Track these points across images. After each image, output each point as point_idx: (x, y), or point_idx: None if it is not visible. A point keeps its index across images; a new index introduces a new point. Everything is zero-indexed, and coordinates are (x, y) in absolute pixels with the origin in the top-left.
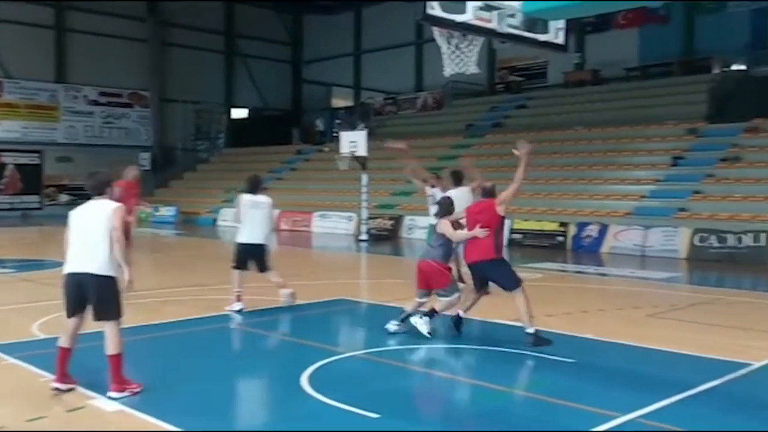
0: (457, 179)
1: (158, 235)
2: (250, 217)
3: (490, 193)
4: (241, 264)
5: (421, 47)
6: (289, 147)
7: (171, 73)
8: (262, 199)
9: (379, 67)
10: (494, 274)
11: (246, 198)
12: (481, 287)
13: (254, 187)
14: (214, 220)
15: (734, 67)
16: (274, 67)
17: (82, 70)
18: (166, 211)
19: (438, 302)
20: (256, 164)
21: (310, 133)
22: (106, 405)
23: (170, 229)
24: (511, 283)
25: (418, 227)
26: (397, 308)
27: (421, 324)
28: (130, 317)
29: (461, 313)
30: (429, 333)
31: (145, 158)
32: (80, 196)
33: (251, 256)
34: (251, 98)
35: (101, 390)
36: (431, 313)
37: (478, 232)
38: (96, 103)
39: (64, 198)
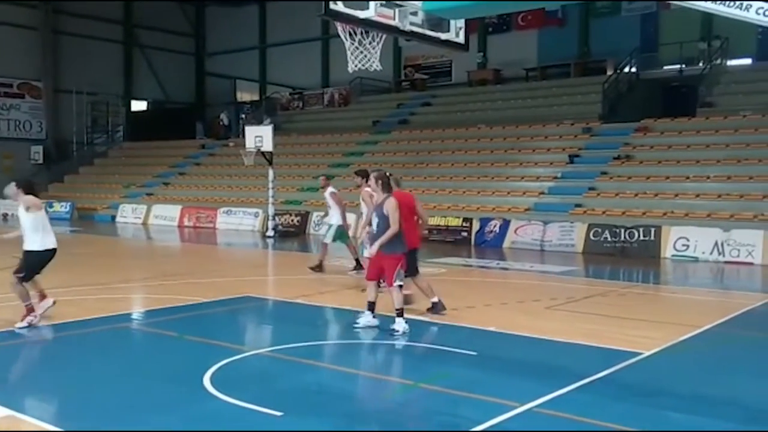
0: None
1: None
2: (46, 221)
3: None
4: (36, 273)
5: (327, 42)
6: (192, 141)
7: (65, 63)
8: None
9: (285, 62)
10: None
11: (39, 201)
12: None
13: (34, 190)
14: (113, 217)
15: (626, 70)
16: (175, 58)
17: None
18: (60, 207)
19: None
20: (158, 158)
21: (215, 128)
22: None
23: (65, 226)
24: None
25: (326, 224)
26: (304, 305)
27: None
28: (20, 318)
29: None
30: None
31: (37, 152)
32: None
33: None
34: (152, 90)
35: None
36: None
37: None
38: None
39: None
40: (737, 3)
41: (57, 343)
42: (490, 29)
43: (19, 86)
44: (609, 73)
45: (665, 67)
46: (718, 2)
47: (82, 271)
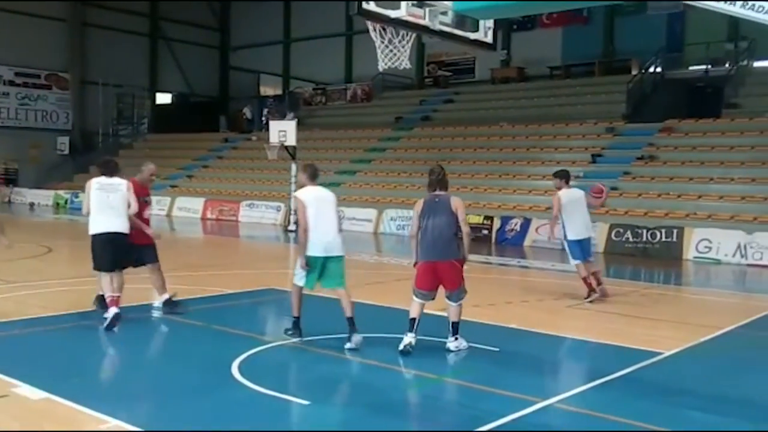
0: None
1: (77, 221)
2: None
3: None
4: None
5: (351, 38)
6: (216, 134)
7: (92, 54)
8: (117, 180)
9: (308, 57)
10: None
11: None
12: None
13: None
14: None
15: (651, 69)
16: (200, 52)
17: None
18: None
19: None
20: (182, 151)
21: (238, 121)
22: (31, 393)
23: None
24: None
25: (346, 218)
26: (326, 298)
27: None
28: (56, 304)
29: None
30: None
31: (63, 142)
32: None
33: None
34: (177, 83)
35: (25, 378)
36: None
37: None
38: (12, 83)
39: None
40: (758, 4)
41: (88, 331)
42: (515, 27)
43: (46, 77)
44: (633, 72)
45: (691, 68)
46: (741, 5)
47: None
